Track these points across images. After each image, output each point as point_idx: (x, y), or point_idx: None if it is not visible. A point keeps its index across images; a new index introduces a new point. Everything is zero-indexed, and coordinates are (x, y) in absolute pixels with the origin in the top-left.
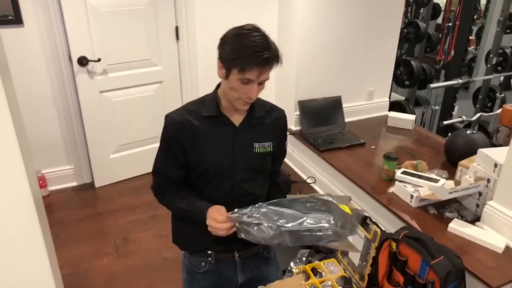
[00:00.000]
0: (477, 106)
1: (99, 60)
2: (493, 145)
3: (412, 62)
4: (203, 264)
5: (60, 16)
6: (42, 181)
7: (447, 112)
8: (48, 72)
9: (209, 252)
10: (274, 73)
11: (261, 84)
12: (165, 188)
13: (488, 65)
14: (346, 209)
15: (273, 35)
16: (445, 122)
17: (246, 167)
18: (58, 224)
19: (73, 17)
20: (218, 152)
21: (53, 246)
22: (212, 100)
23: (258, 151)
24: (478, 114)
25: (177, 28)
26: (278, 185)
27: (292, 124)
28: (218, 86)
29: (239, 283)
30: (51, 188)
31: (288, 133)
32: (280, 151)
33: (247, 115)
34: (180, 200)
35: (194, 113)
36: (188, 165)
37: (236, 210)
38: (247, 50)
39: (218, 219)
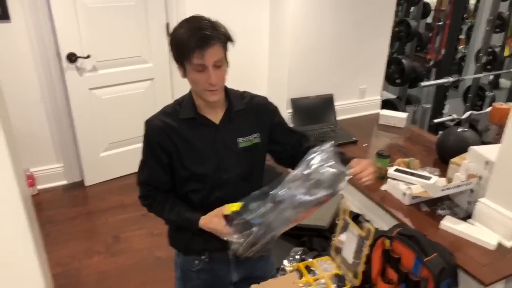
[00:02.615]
0: (467, 104)
1: (88, 56)
2: (483, 143)
3: (403, 61)
4: (196, 262)
5: (48, 12)
6: (31, 180)
7: (438, 110)
8: (36, 69)
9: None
10: (266, 71)
11: (217, 67)
12: (151, 198)
13: (478, 64)
14: None
15: (265, 33)
16: (436, 120)
17: (233, 164)
18: (47, 223)
19: (61, 13)
20: (201, 154)
21: (43, 245)
22: (188, 101)
23: (243, 145)
24: (468, 113)
25: (167, 24)
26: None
27: None
28: None
29: (233, 281)
30: (40, 186)
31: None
32: (281, 130)
33: (225, 111)
34: (169, 211)
35: (171, 116)
36: (173, 170)
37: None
38: (185, 37)
39: (216, 224)
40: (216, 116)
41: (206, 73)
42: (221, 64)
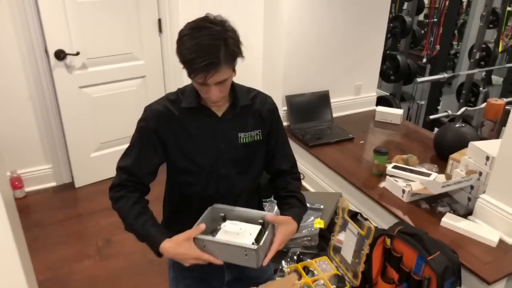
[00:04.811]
0: (461, 101)
1: (77, 53)
2: (480, 138)
3: (398, 57)
4: None
5: (35, 7)
6: (18, 182)
7: (433, 106)
8: (23, 67)
9: None
10: (261, 67)
11: (220, 84)
12: (126, 190)
13: (472, 60)
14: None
15: (259, 29)
16: (431, 117)
17: (232, 158)
18: (35, 226)
19: (49, 8)
20: (201, 145)
21: (27, 250)
22: (190, 91)
23: (244, 141)
24: (463, 109)
25: (160, 20)
26: (294, 193)
27: None
28: None
29: (226, 280)
30: (28, 189)
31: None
32: (275, 142)
33: (230, 105)
34: (135, 217)
35: (174, 103)
36: (169, 160)
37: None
38: (190, 55)
39: (187, 249)
40: (219, 108)
41: (207, 88)
42: (226, 80)
